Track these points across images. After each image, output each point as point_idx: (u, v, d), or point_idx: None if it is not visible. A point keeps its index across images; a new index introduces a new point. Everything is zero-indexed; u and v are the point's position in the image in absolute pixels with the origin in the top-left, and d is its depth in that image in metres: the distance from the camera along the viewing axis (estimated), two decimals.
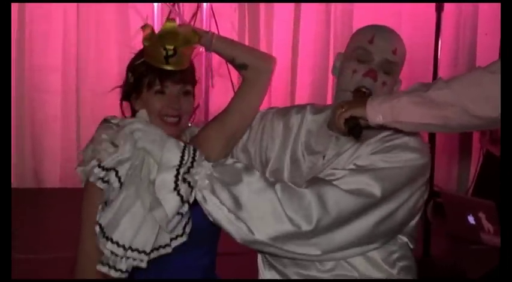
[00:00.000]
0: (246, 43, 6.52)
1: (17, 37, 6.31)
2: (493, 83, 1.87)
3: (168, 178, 2.09)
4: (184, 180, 2.11)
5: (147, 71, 2.24)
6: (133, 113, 2.34)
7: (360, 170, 2.16)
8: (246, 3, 6.55)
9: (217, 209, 2.13)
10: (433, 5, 4.77)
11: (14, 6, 6.22)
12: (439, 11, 4.72)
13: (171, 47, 2.20)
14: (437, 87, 1.96)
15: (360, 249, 2.18)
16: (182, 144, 2.17)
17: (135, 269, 2.19)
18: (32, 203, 5.86)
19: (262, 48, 6.51)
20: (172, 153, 2.13)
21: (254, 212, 2.11)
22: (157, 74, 2.23)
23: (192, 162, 2.15)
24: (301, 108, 2.51)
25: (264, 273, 2.37)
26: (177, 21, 5.84)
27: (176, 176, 2.11)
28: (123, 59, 6.25)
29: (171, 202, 2.09)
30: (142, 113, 2.27)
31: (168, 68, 2.22)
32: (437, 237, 4.76)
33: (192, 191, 2.13)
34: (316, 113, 2.46)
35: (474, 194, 5.60)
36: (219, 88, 5.66)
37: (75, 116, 6.44)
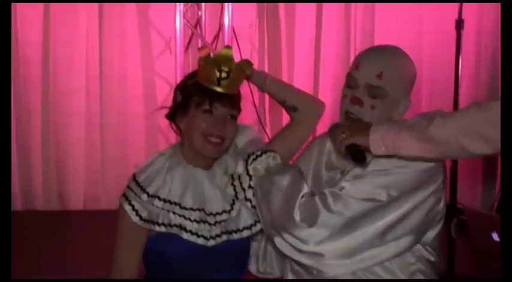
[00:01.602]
0: (266, 62, 6.57)
1: (42, 61, 6.37)
2: (488, 122, 1.94)
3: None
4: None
5: (198, 90, 2.28)
6: (180, 132, 2.39)
7: (363, 175, 2.22)
8: (266, 26, 6.58)
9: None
10: (453, 22, 4.77)
11: (39, 31, 6.32)
12: (459, 28, 4.72)
13: (226, 69, 2.24)
14: (435, 126, 2.03)
15: (369, 253, 2.19)
16: None
17: None
18: (57, 225, 5.90)
19: (284, 67, 6.55)
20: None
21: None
22: (207, 94, 2.26)
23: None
24: (322, 136, 2.55)
25: None
26: (199, 44, 5.90)
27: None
28: (146, 82, 6.38)
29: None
30: None
31: (219, 89, 2.25)
32: (462, 255, 4.74)
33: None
34: None
35: (499, 211, 5.57)
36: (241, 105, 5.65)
37: (99, 138, 6.49)
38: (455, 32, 4.74)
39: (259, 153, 2.38)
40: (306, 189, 2.26)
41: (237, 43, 6.01)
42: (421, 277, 2.27)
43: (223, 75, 2.24)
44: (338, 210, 2.17)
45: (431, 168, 2.22)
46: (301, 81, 6.37)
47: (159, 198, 2.26)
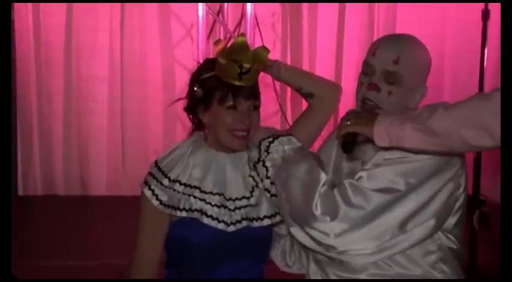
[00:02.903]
0: (289, 51, 6.54)
1: (64, 47, 6.39)
2: (490, 112, 1.91)
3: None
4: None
5: (219, 85, 2.25)
6: (199, 124, 2.38)
7: (381, 164, 2.21)
8: (288, 14, 6.55)
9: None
10: (479, 12, 4.72)
11: (61, 17, 6.34)
12: (485, 18, 4.69)
13: (248, 66, 2.22)
14: (436, 117, 2.01)
15: (391, 242, 2.18)
16: None
17: (185, 275, 2.31)
18: (78, 210, 5.93)
19: (305, 55, 6.53)
20: None
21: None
22: (230, 90, 2.24)
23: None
24: None
25: (311, 277, 2.39)
26: (221, 31, 5.87)
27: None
28: (165, 69, 6.39)
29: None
30: None
31: (241, 84, 2.24)
32: (484, 247, 4.72)
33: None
34: None
35: None
36: (263, 97, 5.62)
37: (120, 124, 6.51)
38: (479, 22, 4.70)
39: (271, 139, 2.33)
40: (323, 178, 2.24)
41: (259, 31, 5.98)
42: (442, 265, 2.26)
43: (245, 70, 2.23)
44: (358, 203, 2.16)
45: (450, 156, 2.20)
46: (324, 69, 6.33)
47: (180, 183, 2.27)
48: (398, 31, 6.24)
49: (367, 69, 2.35)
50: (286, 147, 2.32)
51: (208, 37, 6.15)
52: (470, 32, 5.94)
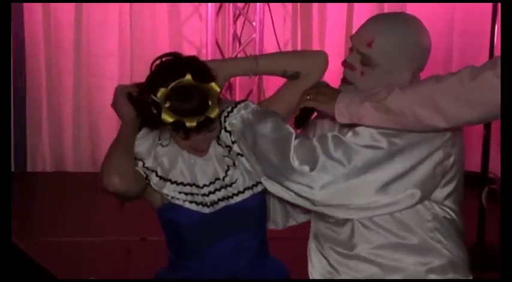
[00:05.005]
0: (299, 29, 6.52)
1: (75, 25, 6.43)
2: (442, 93, 1.96)
3: None
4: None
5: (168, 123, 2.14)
6: None
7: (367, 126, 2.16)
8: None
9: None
10: None
11: None
12: None
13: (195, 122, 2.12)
14: (393, 96, 2.04)
15: (375, 202, 2.15)
16: None
17: (182, 255, 2.31)
18: (90, 187, 5.95)
19: (315, 34, 6.51)
20: None
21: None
22: (180, 127, 2.13)
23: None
24: None
25: (312, 257, 2.36)
26: (230, 8, 5.80)
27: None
28: (174, 45, 6.39)
29: None
30: None
31: (193, 124, 2.12)
32: (492, 224, 4.71)
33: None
34: None
35: None
36: None
37: None
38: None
39: (229, 109, 2.26)
40: (292, 131, 2.20)
41: (269, 8, 5.97)
42: (438, 235, 2.23)
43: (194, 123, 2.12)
44: (339, 158, 2.12)
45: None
46: (333, 46, 6.30)
47: (156, 174, 2.24)
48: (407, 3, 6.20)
49: (351, 45, 2.31)
50: (243, 112, 2.26)
51: (217, 14, 6.14)
52: (479, 11, 5.91)
